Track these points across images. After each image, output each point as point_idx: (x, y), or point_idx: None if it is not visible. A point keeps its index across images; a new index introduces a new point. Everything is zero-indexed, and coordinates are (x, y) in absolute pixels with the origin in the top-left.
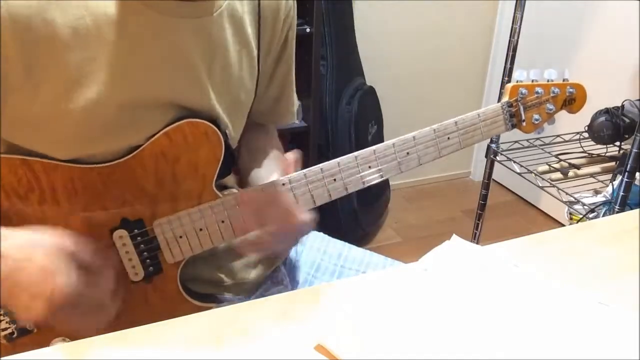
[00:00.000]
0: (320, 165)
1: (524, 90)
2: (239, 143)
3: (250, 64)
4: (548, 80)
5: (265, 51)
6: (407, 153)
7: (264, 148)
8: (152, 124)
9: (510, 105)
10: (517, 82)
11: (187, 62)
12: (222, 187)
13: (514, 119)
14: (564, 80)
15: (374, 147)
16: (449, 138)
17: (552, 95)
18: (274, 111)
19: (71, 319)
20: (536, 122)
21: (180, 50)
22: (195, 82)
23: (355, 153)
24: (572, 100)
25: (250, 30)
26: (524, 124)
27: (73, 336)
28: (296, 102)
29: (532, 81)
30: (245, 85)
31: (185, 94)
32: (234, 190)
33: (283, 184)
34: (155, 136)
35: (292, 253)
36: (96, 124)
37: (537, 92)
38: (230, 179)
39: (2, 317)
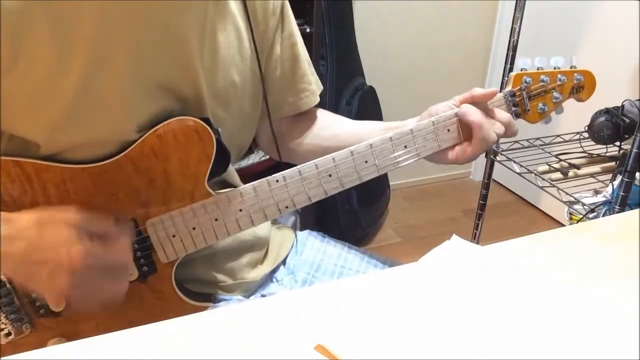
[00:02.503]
0: (315, 161)
1: (528, 79)
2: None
3: (240, 45)
4: (555, 68)
5: (258, 33)
6: (405, 146)
7: (335, 123)
8: (142, 106)
9: (513, 94)
10: (521, 70)
11: (175, 42)
12: (223, 184)
13: (517, 108)
14: (571, 67)
15: (370, 141)
16: (449, 130)
17: (558, 83)
18: (291, 94)
19: (91, 292)
20: (542, 112)
21: (166, 29)
22: (183, 61)
23: (352, 148)
24: (580, 87)
25: (235, 9)
26: (529, 113)
27: (70, 335)
28: (316, 83)
29: (538, 69)
30: (238, 67)
31: (173, 73)
32: (235, 188)
33: (277, 181)
34: (145, 135)
35: (292, 253)
36: (85, 106)
37: (542, 80)
38: (234, 177)
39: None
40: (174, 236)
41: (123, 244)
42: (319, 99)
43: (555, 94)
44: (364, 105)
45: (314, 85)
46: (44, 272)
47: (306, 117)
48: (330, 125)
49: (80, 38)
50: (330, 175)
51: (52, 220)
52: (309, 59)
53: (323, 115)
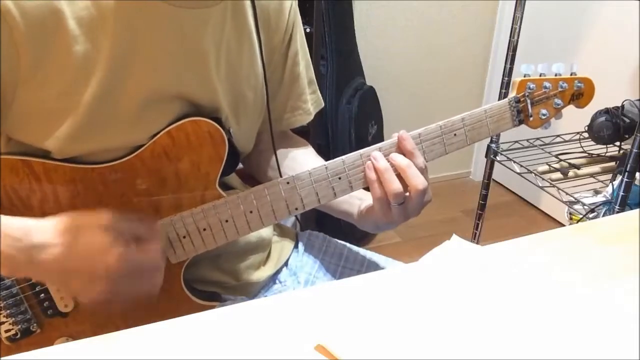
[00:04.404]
0: (326, 163)
1: (532, 85)
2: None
3: (253, 61)
4: (556, 75)
5: (269, 49)
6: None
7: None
8: (158, 117)
9: (517, 100)
10: (524, 76)
11: (194, 54)
12: (226, 187)
13: (521, 114)
14: (571, 74)
15: (379, 144)
16: (455, 134)
17: (560, 89)
18: (286, 110)
19: (126, 294)
20: (543, 118)
21: (186, 41)
22: (201, 74)
23: (361, 150)
24: (580, 94)
25: (252, 23)
26: (531, 119)
27: (77, 335)
28: (315, 103)
29: (540, 75)
30: (250, 82)
31: (192, 86)
32: (238, 190)
33: (287, 183)
34: (157, 135)
35: (294, 254)
36: (102, 117)
37: (545, 87)
38: (235, 180)
39: (5, 319)
40: (184, 237)
41: (156, 246)
42: (311, 118)
43: (557, 101)
44: (364, 105)
45: (309, 104)
46: (79, 279)
47: (289, 142)
48: (301, 162)
49: (103, 51)
50: (340, 178)
51: (86, 226)
52: (313, 76)
53: (304, 151)
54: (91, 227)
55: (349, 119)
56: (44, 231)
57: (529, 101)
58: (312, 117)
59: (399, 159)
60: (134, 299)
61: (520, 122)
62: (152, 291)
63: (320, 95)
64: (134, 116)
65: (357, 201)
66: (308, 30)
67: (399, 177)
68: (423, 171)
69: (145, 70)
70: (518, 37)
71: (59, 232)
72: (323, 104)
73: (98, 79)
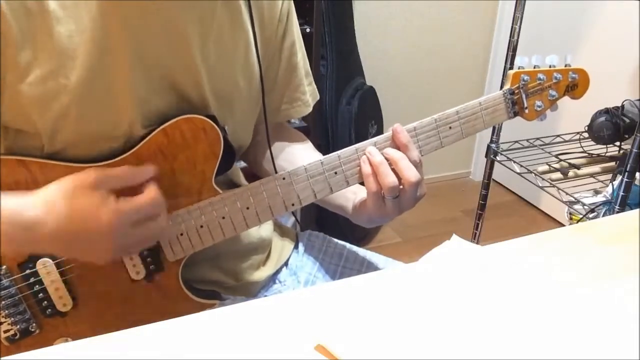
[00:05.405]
0: (322, 158)
1: (525, 77)
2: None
3: (248, 51)
4: (550, 66)
5: (264, 39)
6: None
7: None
8: (145, 101)
9: (512, 92)
10: (518, 68)
11: (178, 38)
12: (231, 185)
13: (516, 106)
14: (565, 65)
15: (374, 139)
16: (450, 127)
17: (554, 81)
18: (284, 102)
19: (136, 241)
20: (539, 109)
21: (170, 24)
22: (184, 58)
23: (356, 145)
24: (574, 85)
25: (246, 14)
26: (526, 111)
27: (76, 335)
28: (312, 94)
29: (534, 67)
30: (245, 72)
31: (174, 69)
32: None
33: (284, 179)
34: (152, 134)
35: (294, 254)
36: (90, 100)
37: (539, 79)
38: (239, 175)
39: (4, 319)
40: (181, 234)
41: (149, 189)
42: (310, 110)
43: (552, 92)
44: (364, 105)
45: (308, 96)
46: (82, 244)
47: (286, 135)
48: (298, 156)
49: (86, 32)
50: (336, 173)
51: (73, 190)
52: (309, 68)
53: (302, 145)
54: (78, 190)
55: (349, 119)
56: (35, 206)
57: (523, 93)
58: (310, 109)
59: (392, 151)
60: (147, 240)
61: (515, 114)
62: (160, 232)
63: (315, 87)
64: (122, 96)
65: (352, 195)
66: (308, 30)
67: (394, 171)
68: (417, 164)
69: (128, 52)
70: (518, 37)
71: (48, 203)
72: (319, 96)
73: (83, 61)
